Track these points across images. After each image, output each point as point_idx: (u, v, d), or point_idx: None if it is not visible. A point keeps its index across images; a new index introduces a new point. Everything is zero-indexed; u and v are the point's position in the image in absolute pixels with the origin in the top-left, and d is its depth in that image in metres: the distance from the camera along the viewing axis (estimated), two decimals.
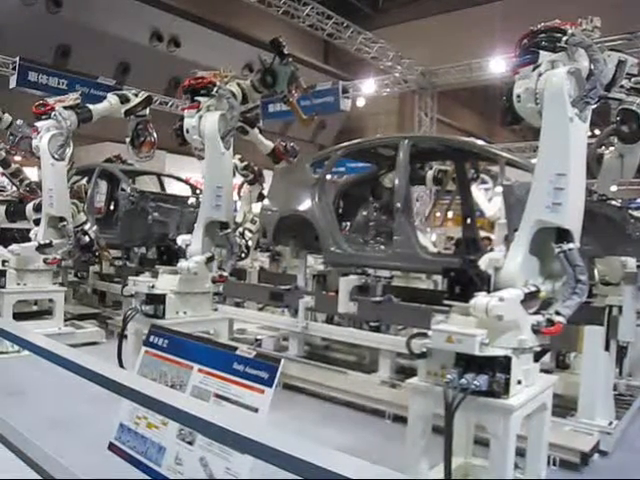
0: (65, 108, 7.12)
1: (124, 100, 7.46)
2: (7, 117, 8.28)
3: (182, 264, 5.42)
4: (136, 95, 7.60)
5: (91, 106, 7.41)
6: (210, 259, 5.52)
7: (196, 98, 5.45)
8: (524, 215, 3.40)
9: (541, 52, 3.41)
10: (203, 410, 2.00)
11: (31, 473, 3.01)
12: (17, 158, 10.49)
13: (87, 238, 7.79)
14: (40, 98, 7.85)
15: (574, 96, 3.26)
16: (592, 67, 3.30)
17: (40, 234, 7.35)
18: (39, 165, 7.47)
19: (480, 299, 3.09)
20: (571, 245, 3.25)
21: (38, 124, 7.22)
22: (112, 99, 7.45)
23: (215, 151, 5.39)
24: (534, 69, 3.39)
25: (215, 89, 5.35)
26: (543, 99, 3.31)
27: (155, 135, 7.71)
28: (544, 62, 3.37)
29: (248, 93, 5.72)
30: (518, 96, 3.43)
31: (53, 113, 7.06)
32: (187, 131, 5.44)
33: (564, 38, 3.34)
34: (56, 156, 7.06)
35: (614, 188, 5.99)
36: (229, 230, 5.63)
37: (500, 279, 3.32)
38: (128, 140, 7.90)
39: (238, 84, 5.67)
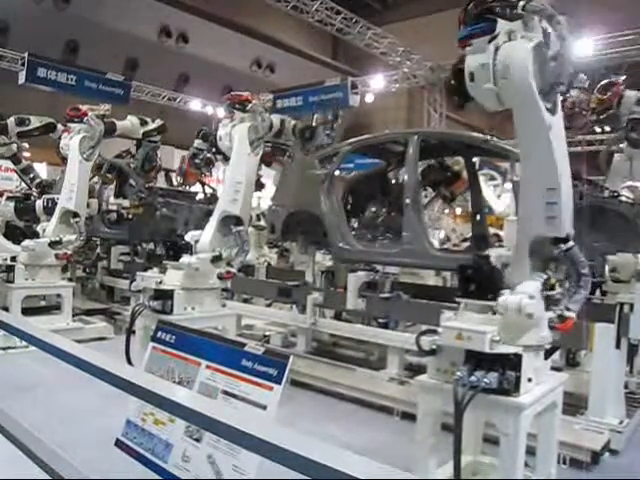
0: (97, 116, 7.62)
1: (143, 122, 8.59)
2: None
3: (184, 259, 5.46)
4: (153, 121, 8.76)
5: (116, 121, 8.09)
6: (217, 258, 5.52)
7: (233, 110, 5.89)
8: (518, 228, 3.25)
9: (499, 20, 2.88)
10: (210, 408, 1.98)
11: (40, 472, 3.01)
12: (26, 154, 10.55)
13: None
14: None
15: (540, 84, 2.85)
16: (559, 43, 2.87)
17: (50, 229, 7.42)
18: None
19: (510, 298, 2.99)
20: (570, 243, 3.16)
21: (70, 125, 7.72)
22: (133, 120, 8.49)
23: (242, 150, 5.73)
24: (490, 41, 2.88)
25: (250, 105, 5.75)
26: (506, 78, 2.82)
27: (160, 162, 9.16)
28: (501, 32, 2.86)
29: (286, 132, 6.56)
30: (471, 74, 2.91)
31: (85, 118, 7.53)
32: (220, 138, 5.86)
33: (521, 3, 2.84)
34: (84, 156, 7.53)
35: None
36: (242, 227, 5.68)
37: (508, 276, 3.27)
38: (138, 164, 9.19)
39: (282, 121, 6.48)
